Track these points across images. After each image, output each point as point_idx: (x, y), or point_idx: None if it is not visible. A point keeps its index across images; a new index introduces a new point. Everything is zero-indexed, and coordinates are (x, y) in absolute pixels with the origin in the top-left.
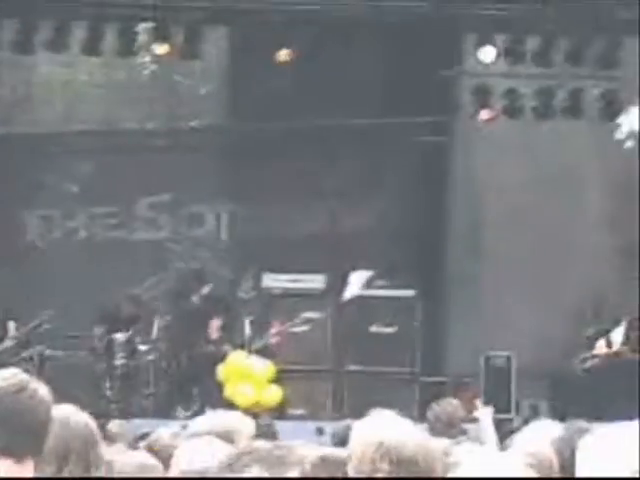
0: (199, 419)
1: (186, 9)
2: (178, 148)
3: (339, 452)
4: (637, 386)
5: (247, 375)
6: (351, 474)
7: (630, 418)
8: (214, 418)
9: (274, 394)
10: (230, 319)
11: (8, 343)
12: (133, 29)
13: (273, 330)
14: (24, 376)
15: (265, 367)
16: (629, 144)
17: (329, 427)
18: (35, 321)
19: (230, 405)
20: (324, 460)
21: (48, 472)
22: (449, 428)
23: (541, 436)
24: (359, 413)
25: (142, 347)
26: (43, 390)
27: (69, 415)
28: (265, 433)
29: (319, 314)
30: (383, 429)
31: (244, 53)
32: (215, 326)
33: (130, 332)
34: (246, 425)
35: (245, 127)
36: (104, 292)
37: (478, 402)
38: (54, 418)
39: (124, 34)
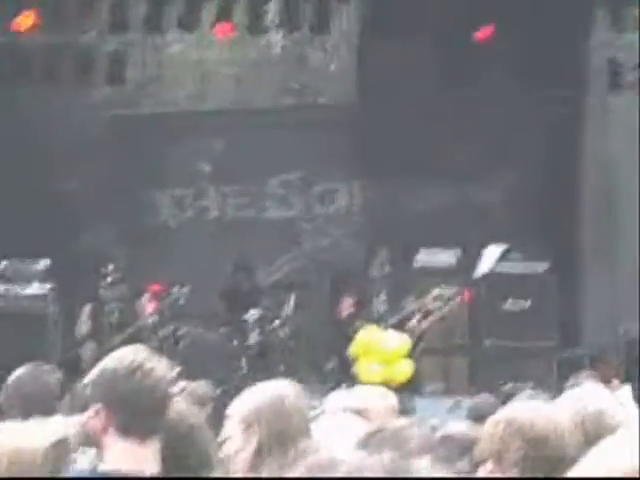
0: (334, 395)
1: None
2: (308, 125)
3: (467, 430)
4: None
5: (376, 351)
6: (480, 453)
7: None
8: (351, 394)
9: (405, 370)
10: (363, 296)
11: (144, 321)
12: (262, 6)
13: (409, 306)
14: (140, 355)
15: (397, 342)
16: None
17: (465, 402)
18: (170, 299)
19: (360, 382)
20: (450, 438)
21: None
22: None
23: None
24: (495, 388)
25: (276, 324)
26: (161, 368)
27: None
28: (401, 410)
29: (454, 289)
30: (514, 407)
31: (374, 29)
32: (347, 303)
33: (261, 311)
34: (383, 401)
35: (374, 103)
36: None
37: (616, 382)
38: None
39: (254, 11)
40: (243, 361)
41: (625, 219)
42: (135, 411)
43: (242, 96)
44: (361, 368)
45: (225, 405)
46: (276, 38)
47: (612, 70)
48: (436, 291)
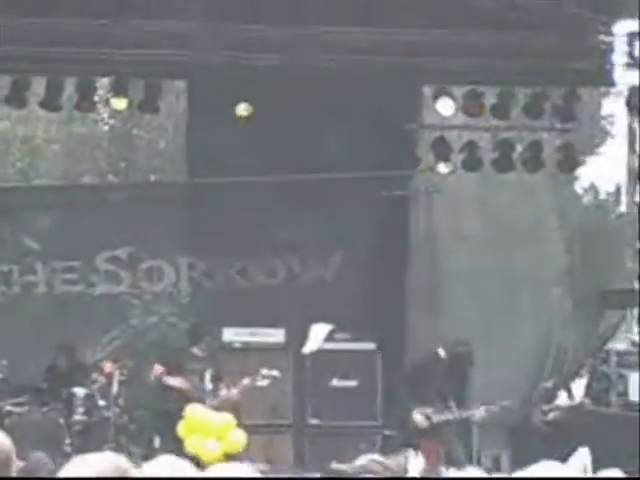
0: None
1: (145, 63)
2: (137, 202)
3: None
4: (598, 437)
5: (208, 429)
6: None
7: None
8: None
9: (239, 439)
10: (188, 374)
11: None
12: (92, 84)
13: (233, 385)
14: None
15: (223, 418)
16: (587, 197)
17: None
18: None
19: (196, 460)
20: None
21: None
22: None
23: None
24: (320, 467)
25: (102, 402)
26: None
27: None
28: None
29: (280, 368)
30: None
31: (203, 107)
32: (172, 381)
33: (87, 389)
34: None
35: (203, 181)
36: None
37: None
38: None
39: (83, 89)
40: (68, 439)
41: (451, 302)
42: None
43: (70, 172)
44: (193, 447)
45: None
46: (104, 115)
47: (440, 150)
48: (262, 371)
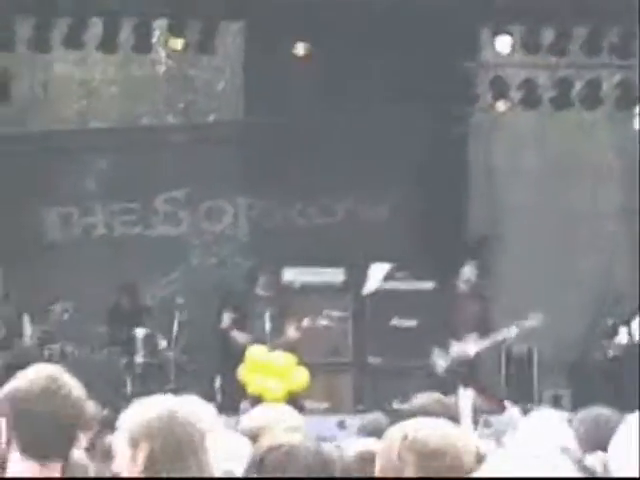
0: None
1: (201, 3)
2: (195, 143)
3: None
4: None
5: (269, 369)
6: (380, 469)
7: None
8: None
9: (301, 378)
10: (249, 313)
11: (28, 341)
12: (148, 25)
13: (293, 324)
14: (54, 375)
15: (284, 358)
16: None
17: (351, 420)
18: (55, 316)
19: (259, 400)
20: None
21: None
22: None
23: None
24: (381, 407)
25: (163, 342)
26: (76, 391)
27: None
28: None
29: (340, 308)
30: (410, 424)
31: (260, 47)
32: (229, 319)
33: (148, 329)
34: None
35: (262, 121)
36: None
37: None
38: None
39: (139, 30)
40: (129, 381)
41: (510, 238)
42: (36, 433)
43: (127, 114)
44: (255, 388)
45: (112, 426)
46: (161, 56)
47: (498, 88)
48: (323, 311)
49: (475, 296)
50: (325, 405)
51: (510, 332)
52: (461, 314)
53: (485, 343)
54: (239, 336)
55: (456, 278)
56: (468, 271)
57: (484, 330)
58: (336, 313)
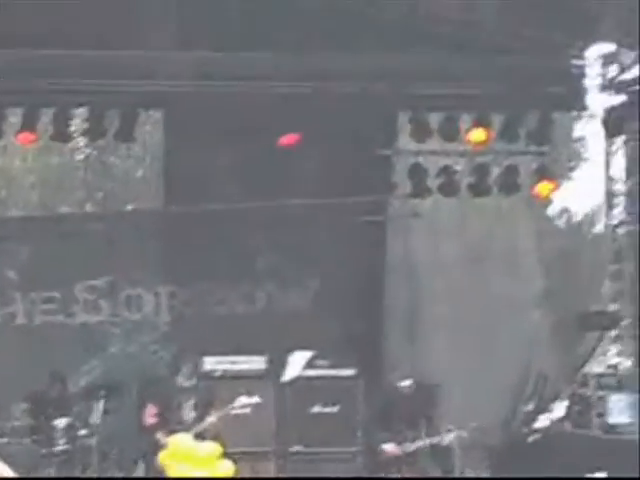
0: None
1: (121, 93)
2: (114, 232)
3: None
4: (578, 459)
5: (195, 458)
6: None
7: None
8: None
9: (227, 468)
10: (171, 403)
11: None
12: (68, 114)
13: (214, 414)
14: None
15: (208, 447)
16: (563, 220)
17: None
18: None
19: None
20: None
21: None
22: None
23: None
24: None
25: (83, 432)
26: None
27: None
28: None
29: (261, 396)
30: None
31: (179, 136)
32: (151, 411)
33: (70, 418)
34: None
35: (181, 210)
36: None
37: None
38: None
39: (59, 119)
40: (51, 470)
41: (429, 327)
42: None
43: (47, 202)
44: (182, 475)
45: None
46: (80, 145)
47: (416, 175)
48: (242, 398)
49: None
50: None
51: (447, 438)
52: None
53: (418, 444)
54: (161, 429)
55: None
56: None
57: (412, 423)
58: (256, 400)
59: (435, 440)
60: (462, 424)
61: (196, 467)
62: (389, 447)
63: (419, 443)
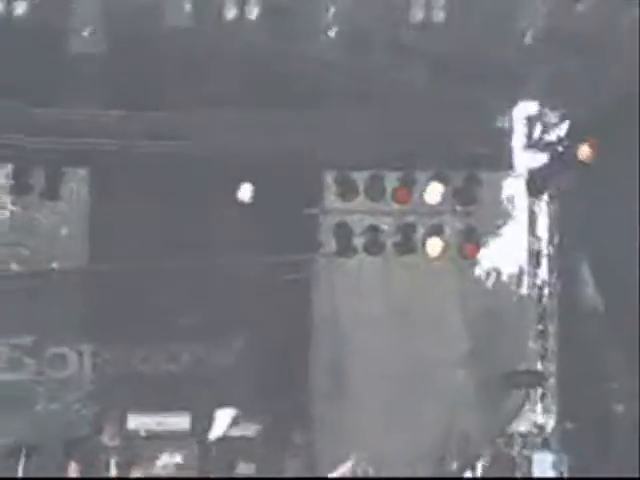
0: None
1: (47, 150)
2: (39, 290)
3: None
4: None
5: None
6: None
7: None
8: None
9: None
10: (95, 462)
11: None
12: None
13: (137, 472)
14: None
15: None
16: (490, 279)
17: None
18: None
19: None
20: None
21: None
22: None
23: None
24: None
25: None
26: None
27: None
28: None
29: (185, 454)
30: None
31: (105, 194)
32: (74, 470)
33: None
34: None
35: (105, 268)
36: None
37: None
38: None
39: None
40: None
41: (353, 383)
42: None
43: None
44: None
45: None
46: (5, 202)
47: (342, 234)
48: (165, 458)
49: None
50: None
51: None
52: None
53: None
54: None
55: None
56: None
57: None
58: (178, 460)
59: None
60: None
61: None
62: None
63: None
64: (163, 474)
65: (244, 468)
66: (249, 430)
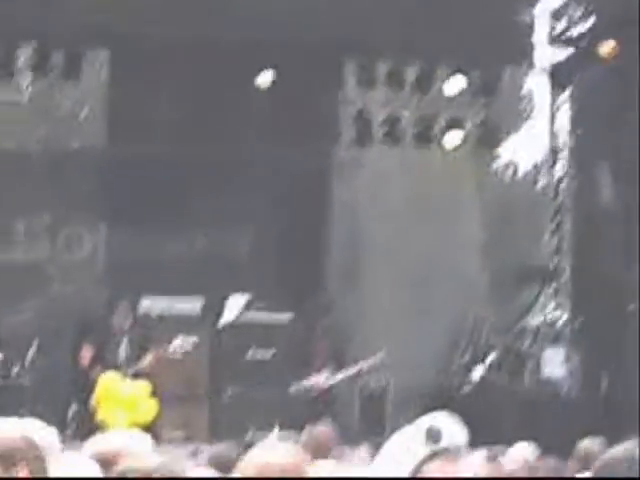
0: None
1: (66, 31)
2: (57, 170)
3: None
4: (509, 413)
5: (119, 398)
6: None
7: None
8: (104, 439)
9: (149, 409)
10: (106, 343)
11: None
12: (13, 51)
13: (149, 355)
14: None
15: (136, 386)
16: (507, 173)
17: (204, 450)
18: None
19: (104, 428)
20: None
21: None
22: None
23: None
24: (236, 437)
25: (16, 369)
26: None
27: None
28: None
29: (196, 338)
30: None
31: (125, 76)
32: (87, 352)
33: (2, 355)
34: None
35: (124, 150)
36: None
37: None
38: None
39: (4, 57)
40: None
41: (369, 273)
42: None
43: None
44: (105, 415)
45: None
46: (25, 83)
47: (361, 124)
48: (177, 341)
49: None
50: (180, 434)
51: (365, 364)
52: (317, 346)
53: (340, 376)
54: (96, 369)
55: (314, 310)
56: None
57: (339, 362)
58: (194, 340)
59: (365, 365)
60: (397, 370)
61: (119, 406)
62: (315, 380)
63: (330, 381)
64: (179, 353)
65: (253, 353)
66: (260, 314)
